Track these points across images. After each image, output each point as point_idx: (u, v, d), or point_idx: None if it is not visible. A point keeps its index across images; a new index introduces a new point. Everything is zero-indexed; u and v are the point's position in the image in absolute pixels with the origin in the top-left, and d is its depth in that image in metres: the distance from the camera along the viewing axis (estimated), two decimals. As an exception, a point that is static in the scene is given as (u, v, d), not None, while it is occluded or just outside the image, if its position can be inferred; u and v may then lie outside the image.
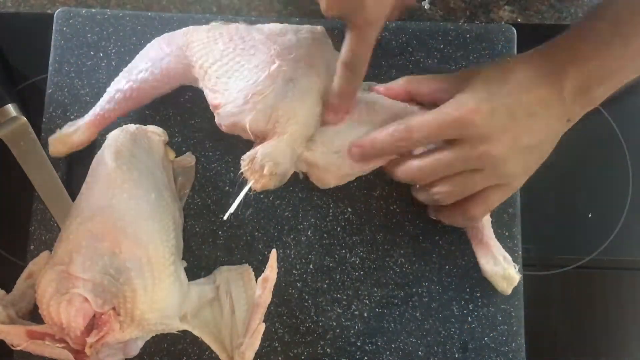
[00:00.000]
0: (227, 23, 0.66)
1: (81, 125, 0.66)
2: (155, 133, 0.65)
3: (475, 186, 0.59)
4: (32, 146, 0.51)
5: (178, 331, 0.58)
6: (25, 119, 0.60)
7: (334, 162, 0.63)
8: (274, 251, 0.62)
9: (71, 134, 0.66)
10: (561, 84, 0.57)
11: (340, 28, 0.70)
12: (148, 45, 0.67)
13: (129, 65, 0.67)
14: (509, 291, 0.65)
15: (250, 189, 0.60)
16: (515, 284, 0.64)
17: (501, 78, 0.58)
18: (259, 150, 0.60)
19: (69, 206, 0.55)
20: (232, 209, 0.60)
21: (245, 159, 0.61)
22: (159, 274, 0.55)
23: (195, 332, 0.59)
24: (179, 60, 0.64)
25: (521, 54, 0.61)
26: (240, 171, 0.60)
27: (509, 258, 0.65)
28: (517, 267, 0.65)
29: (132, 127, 0.63)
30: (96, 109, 0.66)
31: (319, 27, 0.66)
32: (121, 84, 0.65)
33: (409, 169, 0.60)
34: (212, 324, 0.61)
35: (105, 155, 0.59)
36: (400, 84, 0.63)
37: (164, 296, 0.56)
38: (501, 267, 0.64)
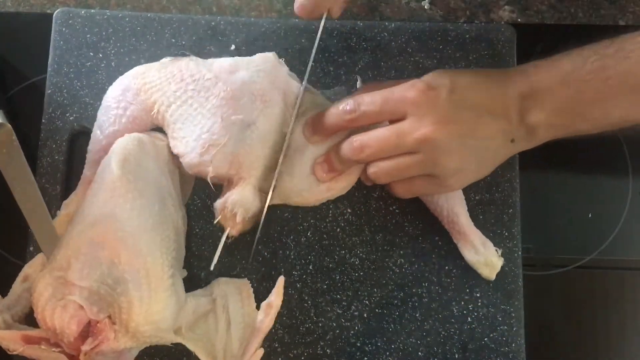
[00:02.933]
0: (178, 59, 0.64)
1: (78, 198, 0.65)
2: (160, 139, 0.64)
3: (408, 170, 0.59)
4: (15, 155, 0.50)
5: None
6: (9, 126, 0.59)
7: (308, 183, 0.63)
8: (281, 278, 0.63)
9: (73, 211, 0.64)
10: (505, 91, 0.58)
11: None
12: (105, 97, 0.66)
13: (97, 123, 0.65)
14: (492, 276, 0.65)
15: (228, 235, 0.61)
16: (498, 269, 0.65)
17: (457, 75, 0.59)
18: (228, 199, 0.60)
19: (46, 217, 0.55)
20: (215, 259, 0.62)
21: (217, 207, 0.62)
22: (156, 288, 0.55)
23: (189, 346, 0.59)
24: (141, 108, 0.63)
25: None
26: (216, 220, 0.61)
27: (490, 244, 0.66)
28: (500, 252, 0.66)
29: (138, 133, 0.63)
30: (85, 177, 0.65)
31: (270, 54, 0.64)
32: (98, 145, 0.65)
33: (352, 144, 0.60)
34: (206, 338, 0.61)
35: (112, 162, 0.58)
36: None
37: (160, 310, 0.56)
38: (482, 255, 0.65)
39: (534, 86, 0.57)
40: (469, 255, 0.66)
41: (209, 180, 0.61)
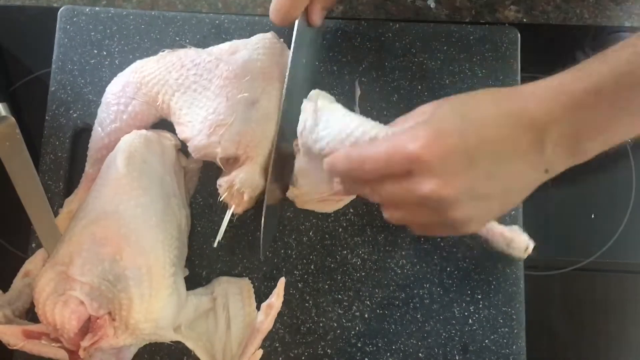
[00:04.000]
0: (175, 50, 0.65)
1: (80, 196, 0.65)
2: (168, 138, 0.64)
3: (421, 219, 0.53)
4: (18, 148, 0.51)
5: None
6: (13, 119, 0.61)
7: (318, 191, 0.63)
8: (282, 279, 0.63)
9: (75, 208, 0.64)
10: (543, 128, 0.50)
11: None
12: (105, 94, 0.66)
13: (97, 120, 0.65)
14: (524, 256, 0.65)
15: (233, 213, 0.61)
16: (529, 252, 0.64)
17: (466, 111, 0.50)
18: (236, 178, 0.60)
19: (47, 211, 0.55)
20: (219, 236, 0.62)
21: (222, 184, 0.61)
22: (157, 285, 0.56)
23: (188, 345, 0.59)
24: (143, 102, 0.63)
25: (502, 88, 0.54)
26: (220, 198, 0.61)
27: (516, 234, 0.64)
28: (527, 237, 0.65)
29: (145, 131, 0.63)
30: (87, 174, 0.65)
31: (268, 34, 0.65)
32: (99, 142, 0.65)
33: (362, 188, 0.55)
34: (205, 337, 0.61)
35: (118, 159, 0.59)
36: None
37: (160, 308, 0.56)
38: (512, 250, 0.64)
39: (586, 127, 0.50)
40: (501, 249, 0.65)
41: (217, 161, 0.61)
